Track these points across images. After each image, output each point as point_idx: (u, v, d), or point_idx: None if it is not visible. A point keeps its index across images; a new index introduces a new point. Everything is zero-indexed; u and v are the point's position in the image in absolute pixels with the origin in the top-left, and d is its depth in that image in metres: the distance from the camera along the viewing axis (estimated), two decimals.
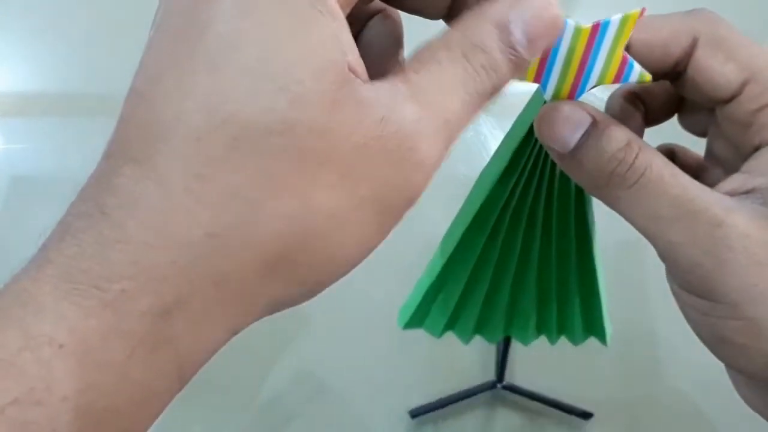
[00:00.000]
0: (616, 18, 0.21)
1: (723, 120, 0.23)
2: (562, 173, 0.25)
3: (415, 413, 0.47)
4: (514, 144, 0.25)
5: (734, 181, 0.22)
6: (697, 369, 0.23)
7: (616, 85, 0.24)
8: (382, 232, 0.19)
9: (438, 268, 0.32)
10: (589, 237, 0.29)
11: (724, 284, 0.21)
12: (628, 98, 0.25)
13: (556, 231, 0.29)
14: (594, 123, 0.22)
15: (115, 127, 0.18)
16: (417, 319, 0.36)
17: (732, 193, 0.22)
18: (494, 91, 0.20)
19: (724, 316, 0.21)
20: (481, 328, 0.36)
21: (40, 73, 0.62)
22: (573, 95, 0.22)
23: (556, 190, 0.26)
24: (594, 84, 0.22)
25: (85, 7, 0.65)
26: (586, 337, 0.37)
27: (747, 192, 0.22)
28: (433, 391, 0.48)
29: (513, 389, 0.48)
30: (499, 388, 0.48)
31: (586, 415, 0.47)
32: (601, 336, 0.36)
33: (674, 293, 0.23)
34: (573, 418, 0.48)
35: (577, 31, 0.21)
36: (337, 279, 0.19)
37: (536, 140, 0.24)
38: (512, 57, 0.19)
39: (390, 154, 0.18)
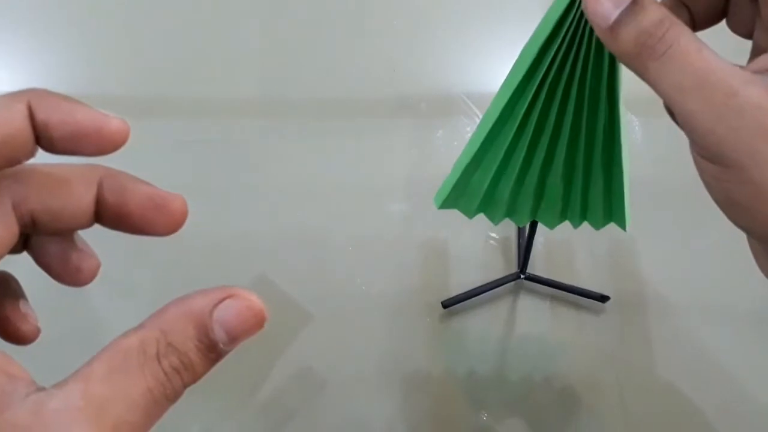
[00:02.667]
0: None
1: (763, 6, 0.25)
2: (597, 51, 0.27)
3: (447, 304, 0.51)
4: (556, 15, 0.27)
5: (761, 61, 0.24)
6: None
7: None
8: None
9: (476, 147, 0.34)
10: (617, 120, 0.31)
11: (734, 150, 0.22)
12: (672, 5, 0.27)
13: (588, 109, 0.30)
14: (634, 0, 0.24)
15: None
16: (452, 200, 0.38)
17: (757, 71, 0.24)
18: (187, 387, 0.19)
19: (733, 180, 0.23)
20: (511, 210, 0.38)
21: (40, 73, 0.62)
22: None
23: (591, 67, 0.28)
24: None
25: (86, 8, 0.66)
26: (606, 222, 0.39)
27: None
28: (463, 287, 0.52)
29: (535, 279, 0.52)
30: (522, 278, 0.52)
31: (603, 299, 0.51)
32: (621, 222, 0.38)
33: (695, 161, 0.25)
34: (591, 303, 0.52)
35: None
36: None
37: (576, 13, 0.26)
38: (211, 355, 0.20)
39: None
